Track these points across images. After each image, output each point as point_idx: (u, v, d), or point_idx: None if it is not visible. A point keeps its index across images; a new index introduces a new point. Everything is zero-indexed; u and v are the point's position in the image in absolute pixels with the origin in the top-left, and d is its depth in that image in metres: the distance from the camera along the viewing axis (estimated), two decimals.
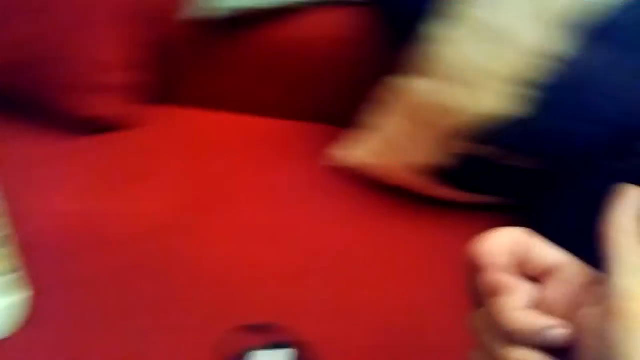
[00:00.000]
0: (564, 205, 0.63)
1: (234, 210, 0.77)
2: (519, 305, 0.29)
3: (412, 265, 0.70)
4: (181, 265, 0.68)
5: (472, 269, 0.31)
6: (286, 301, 0.64)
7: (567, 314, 0.29)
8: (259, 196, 0.80)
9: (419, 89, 0.67)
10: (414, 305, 0.64)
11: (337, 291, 0.66)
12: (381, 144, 0.75)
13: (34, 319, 0.60)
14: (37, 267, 0.63)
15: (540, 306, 0.30)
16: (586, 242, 0.58)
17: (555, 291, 0.30)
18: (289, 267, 0.69)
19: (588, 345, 0.27)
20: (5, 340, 0.59)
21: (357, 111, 0.79)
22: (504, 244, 0.31)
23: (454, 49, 0.62)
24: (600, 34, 0.58)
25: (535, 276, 0.31)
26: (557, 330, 0.28)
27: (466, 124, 0.64)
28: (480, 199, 0.75)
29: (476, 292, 0.32)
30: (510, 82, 0.60)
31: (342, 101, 0.84)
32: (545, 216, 0.65)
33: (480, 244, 0.31)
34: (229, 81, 0.99)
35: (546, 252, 0.31)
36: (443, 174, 0.72)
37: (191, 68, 1.00)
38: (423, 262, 0.70)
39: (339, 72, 0.91)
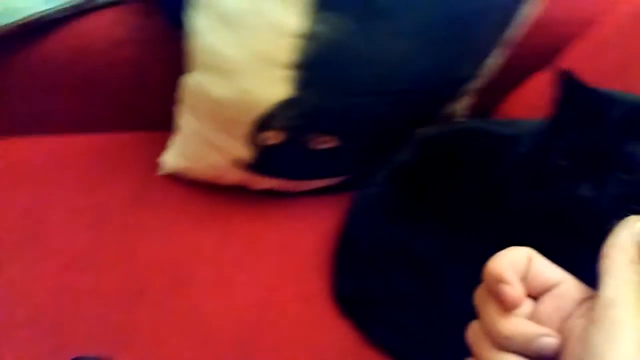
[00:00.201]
0: (380, 177, 0.66)
1: (49, 240, 0.70)
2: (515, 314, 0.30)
3: (257, 262, 0.69)
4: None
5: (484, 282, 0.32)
6: (120, 327, 0.61)
7: (558, 328, 0.30)
8: (76, 220, 0.73)
9: (196, 84, 0.66)
10: (263, 304, 0.64)
11: (178, 307, 0.63)
12: (187, 146, 0.73)
13: None
14: None
15: (532, 319, 0.31)
16: (401, 208, 0.62)
17: (548, 306, 0.31)
18: (121, 291, 0.65)
19: (571, 351, 0.28)
20: None
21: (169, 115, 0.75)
22: (509, 261, 0.31)
23: (210, 39, 0.61)
24: (341, 6, 0.58)
25: (534, 293, 0.32)
26: (548, 338, 0.29)
27: (249, 114, 0.64)
28: (312, 184, 0.76)
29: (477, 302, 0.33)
30: (273, 65, 0.60)
31: (158, 105, 0.80)
32: (368, 191, 0.67)
33: (491, 261, 0.31)
34: (22, 104, 0.89)
35: (545, 271, 0.32)
36: (260, 165, 0.71)
37: None
38: (268, 257, 0.70)
39: (132, 76, 0.86)
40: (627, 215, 0.43)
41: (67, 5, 0.80)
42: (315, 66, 0.60)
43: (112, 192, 0.76)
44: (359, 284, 0.63)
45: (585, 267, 0.48)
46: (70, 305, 0.63)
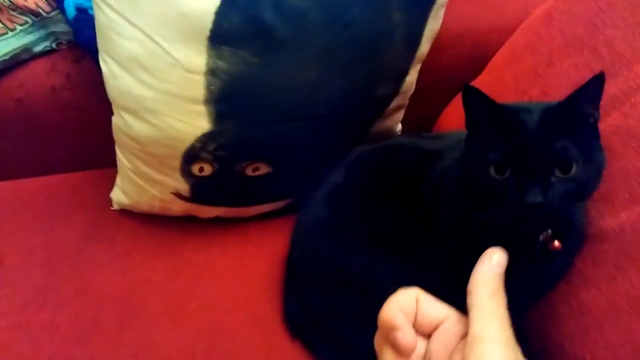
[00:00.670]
0: (317, 198, 0.64)
1: (5, 281, 0.70)
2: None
3: (208, 289, 0.68)
4: None
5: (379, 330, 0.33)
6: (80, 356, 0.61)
7: None
8: (30, 260, 0.73)
9: (120, 124, 0.65)
10: (214, 330, 0.63)
11: (131, 338, 0.63)
12: (128, 182, 0.73)
13: None
14: None
15: (426, 358, 0.32)
16: (337, 228, 0.61)
17: (437, 343, 0.32)
18: (76, 325, 0.64)
19: None
20: None
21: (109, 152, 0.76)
22: (399, 307, 0.32)
23: (121, 82, 0.61)
24: (239, 43, 0.58)
25: (425, 332, 0.33)
26: None
27: (175, 149, 0.63)
28: (258, 209, 0.75)
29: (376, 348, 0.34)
30: (186, 102, 0.60)
31: (103, 143, 0.80)
32: (307, 212, 0.65)
33: (383, 308, 0.32)
34: None
35: (431, 309, 0.33)
36: (200, 196, 0.70)
37: None
38: (219, 283, 0.69)
39: (77, 117, 0.86)
40: (574, 214, 0.43)
41: (5, 57, 0.82)
42: (227, 99, 0.59)
43: (66, 230, 0.76)
44: (303, 304, 0.62)
45: (532, 269, 0.47)
46: (27, 343, 0.63)
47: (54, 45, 0.85)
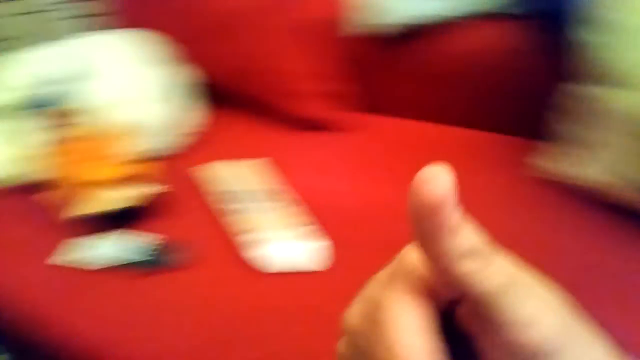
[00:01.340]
0: None
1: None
2: None
3: None
4: None
5: None
6: None
7: None
8: (464, 196, 0.77)
9: (592, 96, 0.60)
10: None
11: None
12: (603, 160, 0.68)
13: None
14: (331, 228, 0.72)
15: None
16: None
17: None
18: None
19: None
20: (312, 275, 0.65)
21: (539, 122, 0.74)
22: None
23: (606, 53, 0.57)
24: None
25: None
26: None
27: None
28: None
29: None
30: None
31: (522, 112, 0.81)
32: None
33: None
34: (412, 91, 1.01)
35: None
36: None
37: (380, 79, 1.04)
38: None
39: (509, 83, 0.88)
40: None
41: (461, 15, 0.88)
42: None
43: (482, 180, 0.79)
44: None
45: None
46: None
47: (511, 10, 0.87)
